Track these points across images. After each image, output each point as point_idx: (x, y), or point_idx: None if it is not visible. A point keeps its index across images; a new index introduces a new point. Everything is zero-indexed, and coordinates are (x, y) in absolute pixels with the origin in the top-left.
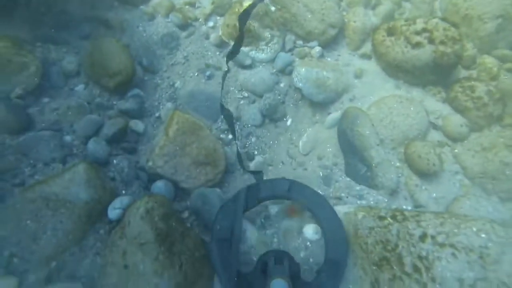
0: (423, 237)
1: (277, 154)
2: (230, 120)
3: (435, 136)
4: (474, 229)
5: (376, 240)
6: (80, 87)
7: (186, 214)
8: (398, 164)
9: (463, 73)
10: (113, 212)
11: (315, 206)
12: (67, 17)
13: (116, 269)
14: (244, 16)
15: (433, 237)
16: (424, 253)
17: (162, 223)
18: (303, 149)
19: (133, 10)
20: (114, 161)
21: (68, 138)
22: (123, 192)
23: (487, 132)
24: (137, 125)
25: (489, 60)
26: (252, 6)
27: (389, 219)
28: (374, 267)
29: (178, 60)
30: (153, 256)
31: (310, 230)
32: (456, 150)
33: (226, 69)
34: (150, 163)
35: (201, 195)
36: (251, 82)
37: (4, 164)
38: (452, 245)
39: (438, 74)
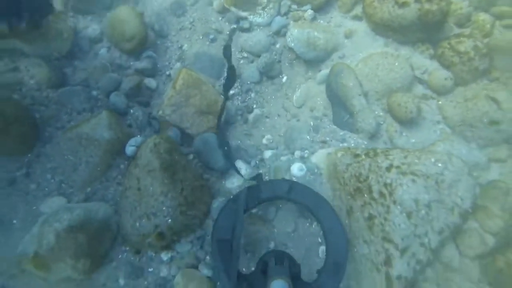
0: (389, 168)
1: (274, 107)
2: (226, 150)
3: (420, 89)
4: (433, 159)
5: (351, 174)
6: (103, 51)
7: (191, 157)
8: (381, 113)
9: (455, 30)
10: (129, 149)
11: (315, 207)
12: None
13: (132, 192)
14: (227, 50)
15: (397, 167)
16: (389, 181)
17: (166, 155)
18: (297, 103)
19: None
20: (131, 111)
21: (94, 92)
22: (138, 136)
23: (473, 86)
24: (150, 82)
25: (483, 18)
26: (230, 39)
27: (363, 156)
28: (349, 197)
29: (185, 26)
30: (159, 180)
31: (296, 168)
32: (440, 102)
33: (223, 97)
34: (160, 112)
35: (202, 139)
36: (250, 44)
37: (49, 112)
38: (412, 173)
39: (425, 31)
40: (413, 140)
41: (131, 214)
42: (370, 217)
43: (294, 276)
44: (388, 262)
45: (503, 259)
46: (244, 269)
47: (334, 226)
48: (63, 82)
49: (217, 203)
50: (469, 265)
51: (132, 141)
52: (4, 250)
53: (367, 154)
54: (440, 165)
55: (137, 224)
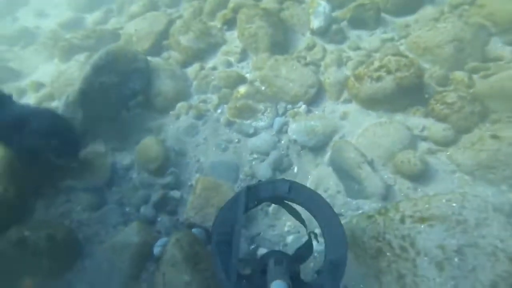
0: (402, 219)
1: None
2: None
3: (424, 145)
4: (444, 200)
5: (370, 236)
6: (134, 175)
7: None
8: (390, 175)
9: (439, 90)
10: (156, 249)
11: (315, 207)
12: (127, 132)
13: None
14: None
15: (410, 216)
16: (406, 232)
17: (188, 247)
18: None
19: (166, 116)
20: (159, 219)
21: (127, 208)
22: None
23: (477, 131)
24: (175, 193)
25: (459, 74)
26: None
27: (376, 215)
28: (373, 260)
29: (199, 142)
30: (183, 271)
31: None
32: (448, 153)
33: None
34: (185, 216)
35: None
36: (257, 145)
37: (91, 231)
38: (427, 218)
39: (409, 96)
40: (432, 194)
41: None
42: (400, 276)
43: (294, 277)
44: None
45: None
46: (243, 269)
47: (333, 226)
48: (102, 204)
49: None
50: None
51: (159, 242)
52: None
53: (379, 213)
54: (454, 204)
55: None
